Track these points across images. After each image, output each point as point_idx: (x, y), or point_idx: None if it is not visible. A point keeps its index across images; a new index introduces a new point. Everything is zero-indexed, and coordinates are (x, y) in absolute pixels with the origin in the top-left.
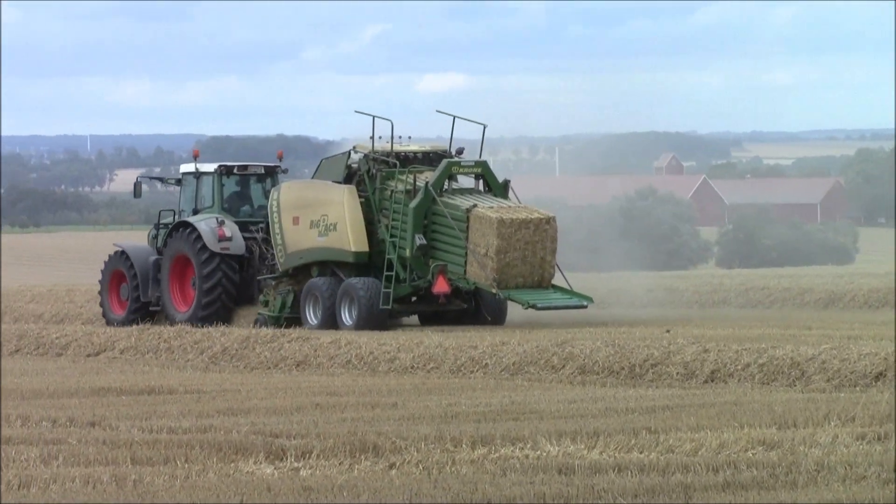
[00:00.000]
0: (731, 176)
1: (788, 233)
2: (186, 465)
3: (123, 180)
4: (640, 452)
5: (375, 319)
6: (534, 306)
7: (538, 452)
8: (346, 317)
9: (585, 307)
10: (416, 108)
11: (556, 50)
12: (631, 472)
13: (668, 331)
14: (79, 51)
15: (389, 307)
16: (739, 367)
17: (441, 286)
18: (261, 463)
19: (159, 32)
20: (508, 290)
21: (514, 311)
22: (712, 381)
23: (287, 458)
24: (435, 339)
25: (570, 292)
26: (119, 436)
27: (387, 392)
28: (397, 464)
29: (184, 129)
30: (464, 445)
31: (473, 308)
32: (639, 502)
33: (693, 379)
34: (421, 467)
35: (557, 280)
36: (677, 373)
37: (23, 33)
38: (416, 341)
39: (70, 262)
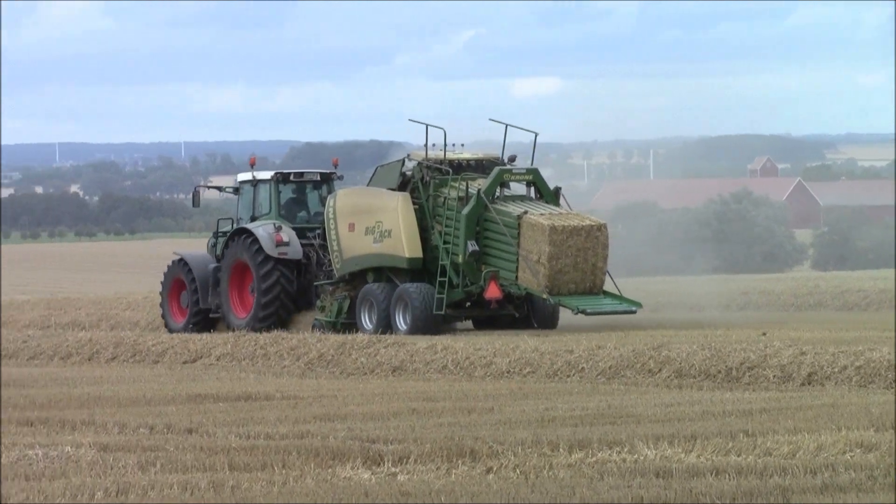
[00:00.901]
0: (825, 178)
1: (884, 234)
2: (284, 471)
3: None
4: (738, 455)
5: (429, 324)
6: (583, 311)
7: (635, 456)
8: (401, 322)
9: (634, 312)
10: (509, 112)
11: (650, 53)
12: (728, 476)
13: (764, 334)
14: (172, 58)
15: (443, 312)
16: (836, 370)
17: (493, 292)
18: (358, 468)
19: (252, 39)
20: (559, 296)
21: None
22: (809, 383)
23: (384, 464)
24: (531, 344)
25: (620, 298)
26: (216, 442)
27: (483, 397)
28: (494, 468)
29: (277, 135)
30: (561, 449)
31: (525, 313)
32: None
33: (790, 382)
34: (518, 472)
35: (608, 286)
36: (774, 375)
37: (116, 41)
38: (512, 346)
39: (165, 269)
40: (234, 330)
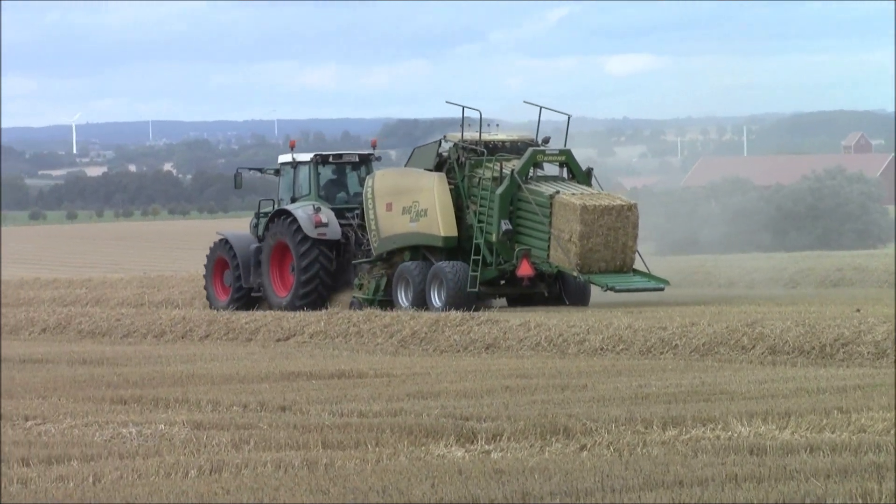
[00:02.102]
0: None
1: None
2: (377, 449)
3: None
4: (832, 432)
5: (463, 301)
6: (612, 288)
7: (729, 433)
8: (435, 299)
9: (662, 290)
10: (603, 90)
11: (742, 30)
12: (823, 453)
13: (858, 310)
14: (266, 36)
15: (476, 290)
16: None
17: (525, 269)
18: (451, 446)
19: (345, 17)
20: (589, 274)
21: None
22: None
23: (478, 441)
24: (624, 321)
25: (648, 276)
26: (310, 420)
27: (577, 374)
28: (588, 446)
29: (370, 113)
30: (654, 427)
31: (557, 291)
32: (831, 483)
33: (884, 358)
34: (612, 449)
35: (637, 264)
36: (868, 352)
37: (209, 21)
38: (605, 323)
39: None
40: (274, 309)
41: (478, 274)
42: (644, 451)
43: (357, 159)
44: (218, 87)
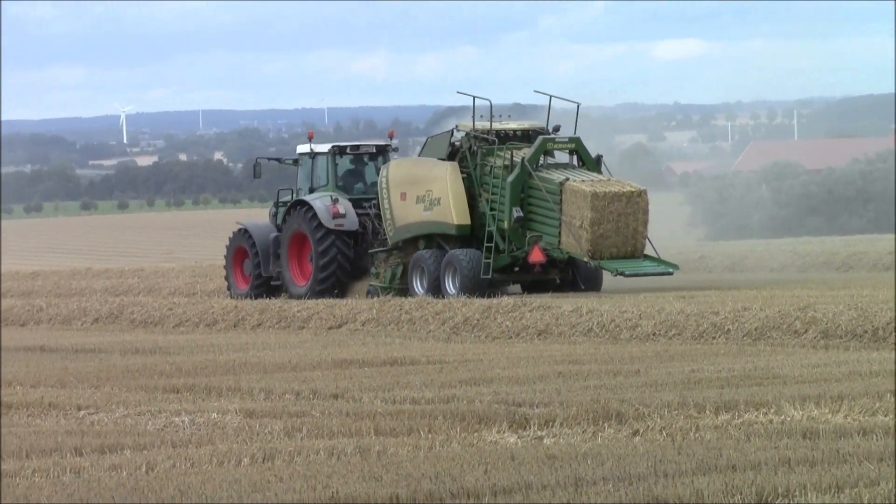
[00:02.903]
0: None
1: None
2: (430, 436)
3: None
4: (885, 416)
5: (477, 288)
6: (622, 273)
7: (782, 417)
8: (450, 286)
9: (671, 274)
10: (652, 75)
11: (791, 13)
12: (876, 436)
13: None
14: (317, 25)
15: (490, 276)
16: None
17: (536, 256)
18: (504, 432)
19: (395, 5)
20: (599, 260)
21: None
22: None
23: (530, 427)
24: (676, 306)
25: (658, 260)
26: (362, 407)
27: (629, 359)
28: (641, 431)
29: (420, 100)
30: (707, 411)
31: (571, 277)
32: (884, 466)
33: None
34: (665, 434)
35: (647, 250)
36: None
37: (261, 9)
38: (657, 308)
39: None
40: (293, 298)
41: (491, 261)
42: (697, 435)
43: (374, 150)
44: (268, 76)
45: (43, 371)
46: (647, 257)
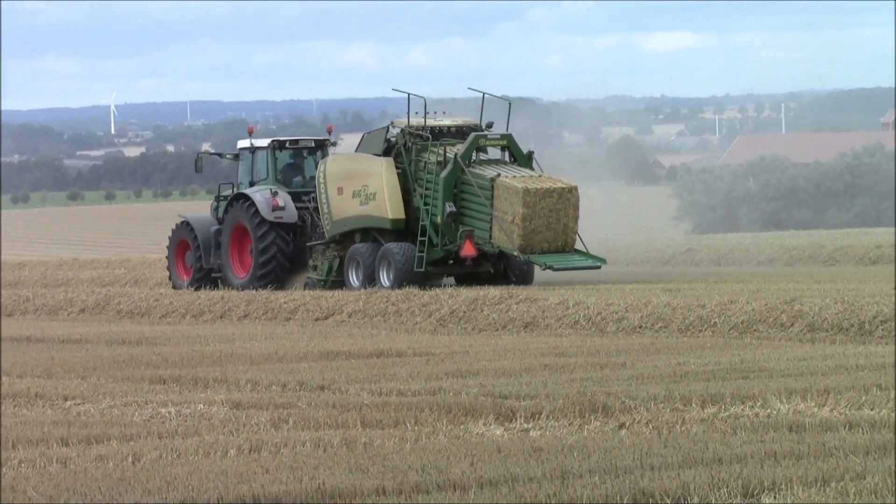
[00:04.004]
0: None
1: None
2: (416, 428)
3: (349, 144)
4: (871, 409)
5: (410, 280)
6: (550, 267)
7: (768, 410)
8: (384, 279)
9: (599, 268)
10: (643, 67)
11: (782, 6)
12: (862, 430)
13: None
14: (305, 15)
15: (423, 269)
16: None
17: (468, 250)
18: (490, 424)
19: None
20: (529, 254)
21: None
22: None
23: (517, 420)
24: (663, 299)
25: (586, 255)
26: (349, 399)
27: (615, 352)
28: (627, 424)
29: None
30: (693, 404)
31: (502, 270)
32: (870, 459)
33: None
34: (651, 427)
35: (576, 244)
36: None
37: (250, 1)
38: (643, 301)
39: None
40: (234, 289)
41: (424, 254)
42: (683, 428)
43: (313, 144)
44: (257, 67)
45: (29, 361)
46: (576, 251)
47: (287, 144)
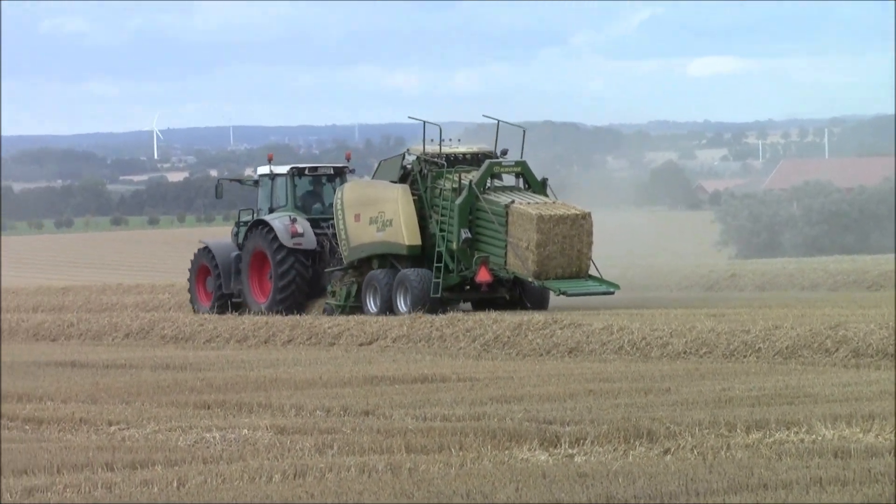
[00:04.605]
0: None
1: None
2: (461, 453)
3: None
4: None
5: (427, 306)
6: (564, 293)
7: (813, 436)
8: (401, 304)
9: (612, 293)
10: (685, 91)
11: (825, 31)
12: None
13: None
14: (349, 40)
15: (439, 295)
16: None
17: (483, 276)
18: (535, 450)
19: (429, 21)
20: (543, 280)
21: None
22: None
23: (561, 445)
24: (708, 325)
25: (600, 280)
26: (393, 424)
27: (660, 377)
28: (672, 449)
29: (452, 116)
30: (738, 430)
31: (518, 295)
32: None
33: None
34: (696, 452)
35: (590, 270)
36: None
37: (295, 25)
38: (688, 326)
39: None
40: (253, 314)
41: (440, 280)
42: (728, 454)
43: (332, 171)
44: (300, 92)
45: (74, 386)
46: (590, 277)
47: (306, 171)
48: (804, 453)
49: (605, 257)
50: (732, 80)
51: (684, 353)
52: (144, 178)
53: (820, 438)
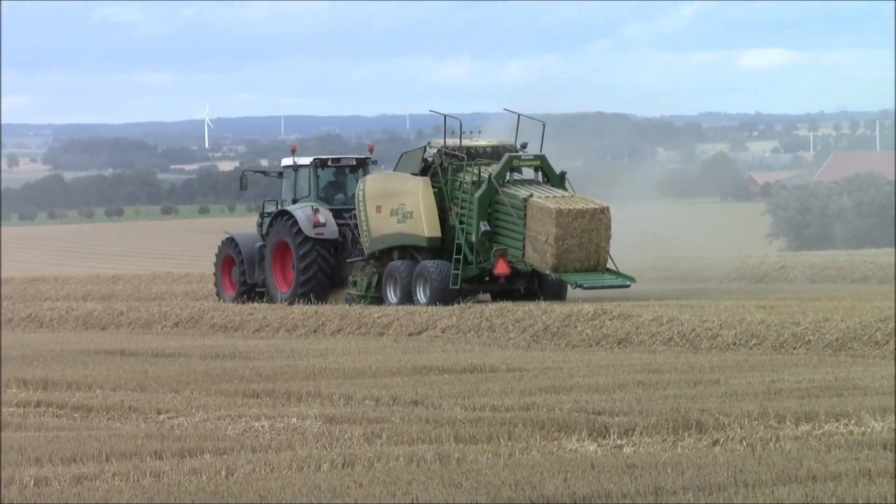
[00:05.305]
0: None
1: None
2: (510, 443)
3: None
4: None
5: (446, 297)
6: (581, 286)
7: (863, 428)
8: (420, 295)
9: (629, 286)
10: (737, 84)
11: (876, 25)
12: None
13: None
14: (401, 31)
15: (458, 287)
16: None
17: (501, 268)
18: (584, 440)
19: (480, 11)
20: (561, 273)
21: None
22: None
23: (610, 436)
24: (757, 316)
25: (617, 273)
26: (442, 414)
27: (709, 369)
28: (721, 441)
29: (502, 107)
30: (787, 422)
31: (536, 287)
32: None
33: None
34: (745, 444)
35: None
36: None
37: (347, 16)
38: (737, 318)
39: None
40: (276, 303)
41: (459, 272)
42: (777, 446)
43: (354, 163)
44: (352, 82)
45: (123, 375)
46: (608, 270)
47: (329, 163)
48: (853, 445)
49: (654, 250)
50: (783, 72)
51: (734, 344)
52: (195, 167)
53: (869, 430)
